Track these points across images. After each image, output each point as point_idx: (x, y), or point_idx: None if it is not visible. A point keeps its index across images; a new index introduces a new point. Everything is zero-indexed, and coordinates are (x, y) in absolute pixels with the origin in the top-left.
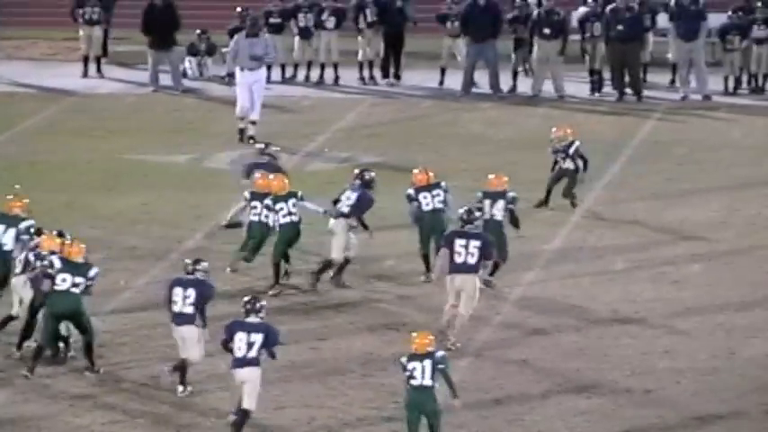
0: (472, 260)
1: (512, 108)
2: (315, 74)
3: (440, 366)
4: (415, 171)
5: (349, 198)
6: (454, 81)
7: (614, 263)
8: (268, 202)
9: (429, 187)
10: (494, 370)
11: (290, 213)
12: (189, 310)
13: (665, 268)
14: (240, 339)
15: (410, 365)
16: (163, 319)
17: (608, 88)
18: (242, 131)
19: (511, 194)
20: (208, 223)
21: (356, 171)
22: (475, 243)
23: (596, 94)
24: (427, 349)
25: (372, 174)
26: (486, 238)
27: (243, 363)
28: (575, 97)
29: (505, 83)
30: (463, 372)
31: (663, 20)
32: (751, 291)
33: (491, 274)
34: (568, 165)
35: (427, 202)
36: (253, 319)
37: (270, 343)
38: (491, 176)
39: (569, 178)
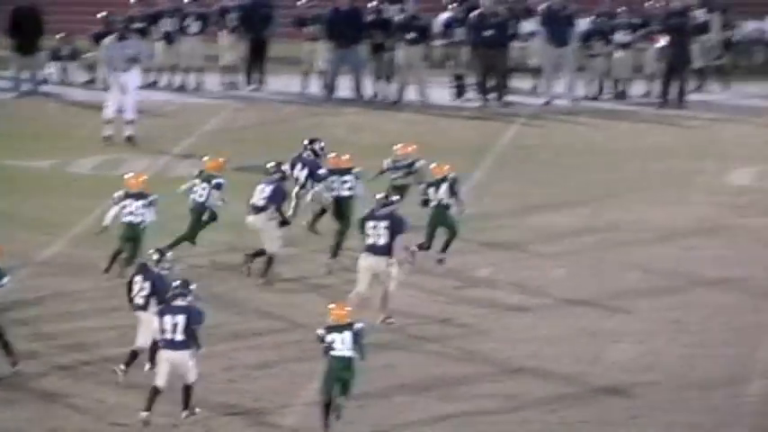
0: (382, 241)
1: (375, 113)
2: (178, 79)
3: (358, 337)
4: (331, 155)
5: (263, 191)
6: (317, 86)
7: (478, 269)
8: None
9: (341, 172)
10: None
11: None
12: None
13: (529, 273)
14: (166, 322)
15: (329, 337)
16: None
17: (472, 94)
18: (109, 137)
19: (451, 175)
20: (71, 229)
21: (272, 164)
22: (383, 224)
23: (459, 100)
24: (346, 320)
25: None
26: (394, 217)
27: (171, 345)
28: (438, 103)
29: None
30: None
31: (527, 26)
32: (615, 295)
33: (443, 250)
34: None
35: (335, 186)
36: (179, 302)
37: (192, 322)
38: (433, 165)
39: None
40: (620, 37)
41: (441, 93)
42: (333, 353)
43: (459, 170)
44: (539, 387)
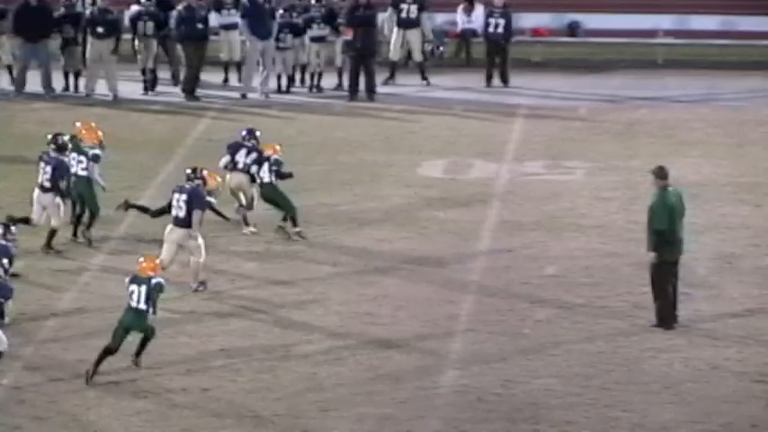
0: (182, 213)
1: (66, 108)
2: None
3: (154, 293)
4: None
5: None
6: (6, 80)
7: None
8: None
9: (79, 151)
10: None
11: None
12: None
13: (224, 266)
14: None
15: (131, 287)
16: None
17: (161, 87)
18: None
19: (274, 157)
20: None
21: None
22: (183, 197)
23: (149, 93)
24: (149, 274)
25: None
26: (193, 191)
27: None
28: (129, 97)
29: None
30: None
31: (220, 18)
32: (307, 287)
33: (294, 225)
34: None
35: (72, 165)
36: None
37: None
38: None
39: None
40: (311, 30)
41: (131, 86)
42: (130, 302)
43: (151, 163)
44: (230, 382)
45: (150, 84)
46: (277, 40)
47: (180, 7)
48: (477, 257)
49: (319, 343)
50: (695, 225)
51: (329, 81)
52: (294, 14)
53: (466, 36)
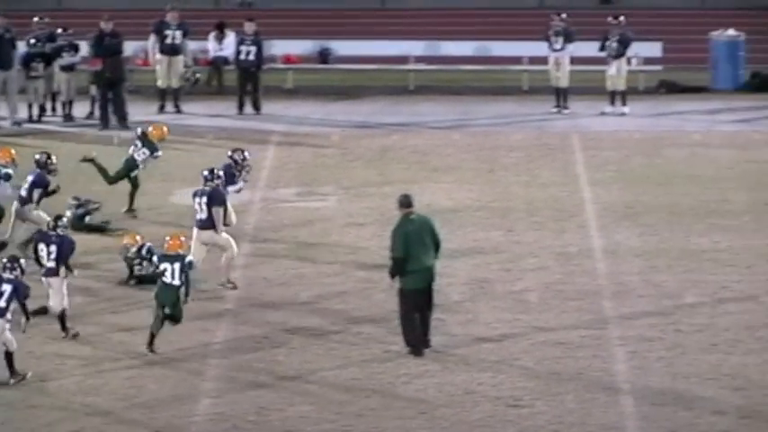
0: (204, 215)
1: None
2: None
3: (187, 270)
4: None
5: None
6: None
7: None
8: None
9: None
10: None
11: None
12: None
13: None
14: None
15: (162, 265)
16: None
17: None
18: None
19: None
20: None
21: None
22: (204, 199)
23: None
24: (178, 251)
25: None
26: (213, 191)
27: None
28: None
29: None
30: None
31: None
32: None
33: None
34: None
35: None
36: (7, 274)
37: (19, 296)
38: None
39: None
40: (61, 59)
41: None
42: (163, 279)
43: None
44: None
45: None
46: (28, 69)
47: None
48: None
49: (72, 372)
50: (448, 250)
51: (81, 110)
52: (39, 43)
53: (217, 63)
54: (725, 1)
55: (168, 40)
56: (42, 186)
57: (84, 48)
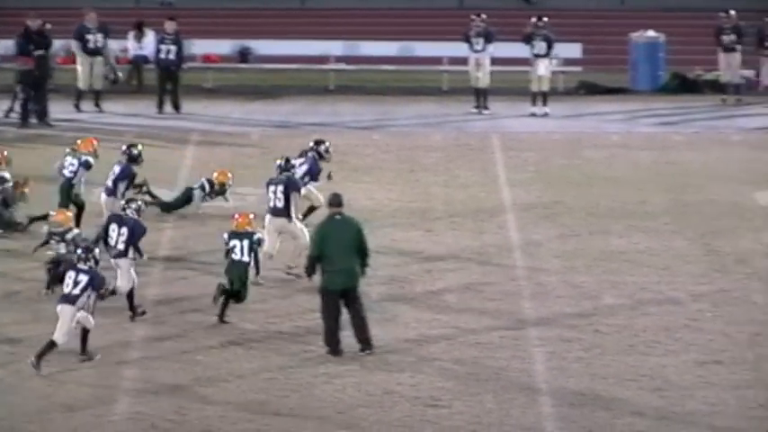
0: (280, 204)
1: None
2: None
3: (255, 246)
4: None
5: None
6: None
7: None
8: None
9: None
10: None
11: None
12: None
13: None
14: (69, 277)
15: (231, 242)
16: None
17: None
18: None
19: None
20: None
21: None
22: (280, 188)
23: None
24: (246, 229)
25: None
26: (288, 179)
27: (65, 299)
28: None
29: None
30: None
31: None
32: None
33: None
34: None
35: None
36: (82, 265)
37: (95, 286)
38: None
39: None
40: None
41: None
42: (233, 256)
43: None
44: None
45: None
46: None
47: None
48: (154, 285)
49: None
50: (368, 250)
51: None
52: None
53: (137, 62)
54: (644, 2)
55: (90, 45)
56: (128, 178)
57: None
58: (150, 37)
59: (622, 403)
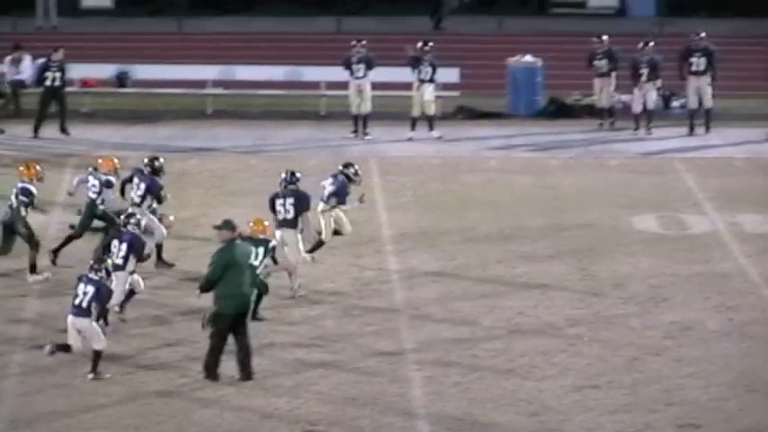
0: (290, 215)
1: None
2: None
3: (270, 254)
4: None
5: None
6: None
7: None
8: None
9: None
10: None
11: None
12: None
13: None
14: (79, 288)
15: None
16: None
17: None
18: None
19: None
20: None
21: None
22: (290, 200)
23: None
24: (260, 236)
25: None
26: (297, 193)
27: (77, 312)
28: None
29: None
30: None
31: None
32: None
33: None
34: None
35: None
36: (92, 275)
37: (100, 298)
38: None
39: None
40: None
41: None
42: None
43: None
44: None
45: None
46: None
47: None
48: (26, 310)
49: None
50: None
51: None
52: None
53: (14, 87)
54: (522, 27)
55: None
56: (155, 192)
57: None
58: (27, 61)
59: (500, 428)
